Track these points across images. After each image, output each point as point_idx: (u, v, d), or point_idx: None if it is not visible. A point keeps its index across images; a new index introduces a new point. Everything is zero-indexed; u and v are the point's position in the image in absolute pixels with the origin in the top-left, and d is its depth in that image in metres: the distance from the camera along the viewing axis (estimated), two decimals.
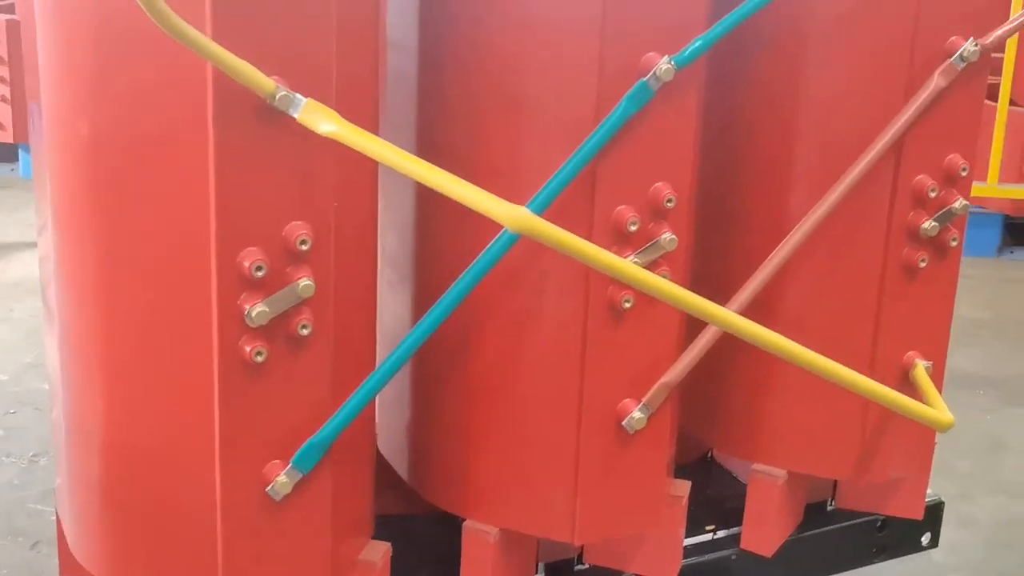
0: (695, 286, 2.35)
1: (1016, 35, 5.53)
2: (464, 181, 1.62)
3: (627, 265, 1.72)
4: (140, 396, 1.87)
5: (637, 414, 2.12)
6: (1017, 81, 5.75)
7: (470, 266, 1.90)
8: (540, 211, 1.90)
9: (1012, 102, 5.87)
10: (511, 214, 1.57)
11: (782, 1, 2.15)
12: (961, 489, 3.87)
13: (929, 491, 2.67)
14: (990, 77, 5.82)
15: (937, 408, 2.17)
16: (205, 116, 1.67)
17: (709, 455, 2.85)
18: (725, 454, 2.77)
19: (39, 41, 1.86)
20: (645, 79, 1.93)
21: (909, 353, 2.37)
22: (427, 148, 2.15)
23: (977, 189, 5.92)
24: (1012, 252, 6.20)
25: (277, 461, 1.87)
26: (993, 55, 5.71)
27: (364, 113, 1.84)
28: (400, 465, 2.41)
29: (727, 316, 1.89)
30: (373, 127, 1.89)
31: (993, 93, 5.89)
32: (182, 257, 1.76)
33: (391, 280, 2.36)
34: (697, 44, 1.95)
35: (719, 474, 2.80)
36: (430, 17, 2.10)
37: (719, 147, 2.38)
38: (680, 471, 2.46)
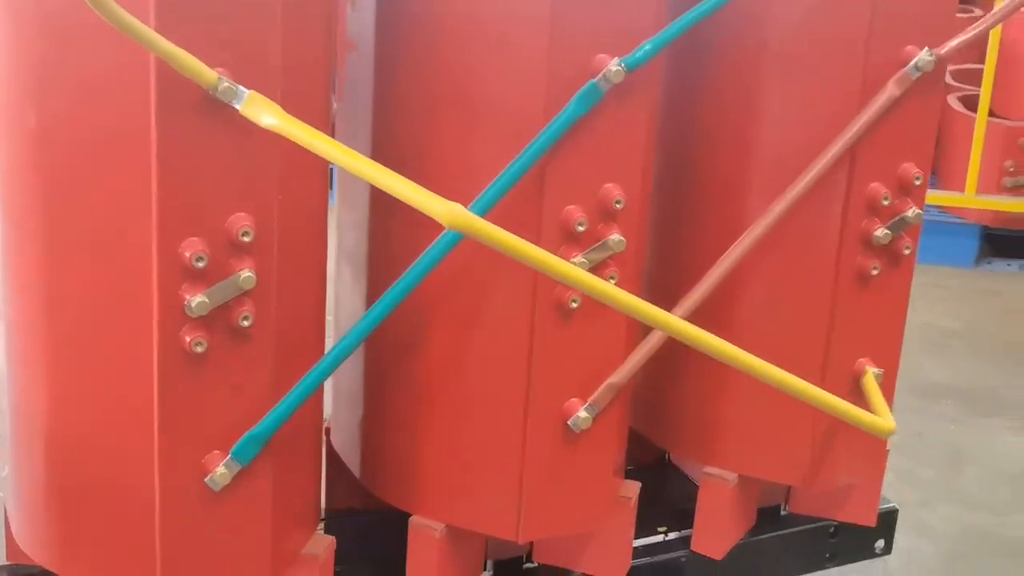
0: (651, 288, 2.37)
1: (995, 47, 5.56)
2: (402, 177, 1.63)
3: (563, 264, 1.72)
4: (81, 384, 1.87)
5: (583, 414, 2.13)
6: (996, 92, 5.77)
7: (413, 264, 1.91)
8: (486, 209, 1.91)
9: (991, 113, 5.89)
10: (448, 211, 1.58)
11: (737, 8, 2.16)
12: (921, 497, 3.88)
13: (887, 498, 2.68)
14: (970, 88, 5.85)
15: (882, 415, 2.18)
16: (148, 107, 1.68)
17: (666, 456, 2.85)
18: (677, 456, 2.77)
19: None
20: (595, 80, 1.94)
21: (860, 360, 2.38)
22: (383, 147, 2.15)
23: (955, 199, 5.94)
24: (990, 263, 6.20)
25: (217, 452, 1.87)
26: (972, 66, 5.65)
27: (312, 107, 1.85)
28: (352, 461, 2.42)
29: (671, 321, 1.89)
30: (322, 120, 1.89)
31: (972, 103, 5.91)
32: (124, 246, 1.76)
33: (348, 278, 2.36)
34: (647, 47, 1.95)
35: (674, 476, 2.81)
36: (387, 19, 2.09)
37: (678, 149, 2.40)
38: (635, 472, 2.46)
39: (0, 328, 2.09)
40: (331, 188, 2.06)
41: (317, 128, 1.75)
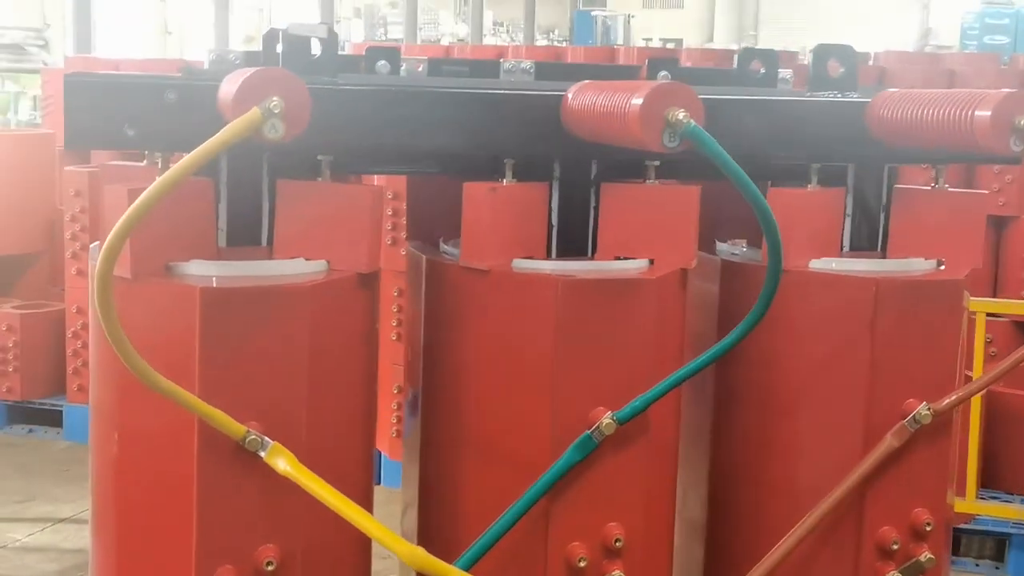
0: None
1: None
2: (376, 522, 1.90)
3: None
4: None
5: None
6: None
7: None
8: (490, 544, 2.15)
9: None
10: (410, 553, 1.84)
11: (754, 355, 2.39)
12: None
13: None
14: None
15: None
16: (191, 453, 2.02)
17: None
18: None
19: (91, 387, 2.25)
20: (589, 432, 2.19)
21: None
22: (426, 480, 2.43)
23: None
24: None
25: None
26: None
27: (337, 453, 2.16)
28: None
29: None
30: (348, 462, 2.19)
31: None
32: (169, 571, 2.07)
33: None
34: (637, 403, 2.20)
35: None
36: (428, 375, 2.41)
37: (709, 476, 2.61)
38: None
39: None
40: None
41: (343, 467, 2.08)
